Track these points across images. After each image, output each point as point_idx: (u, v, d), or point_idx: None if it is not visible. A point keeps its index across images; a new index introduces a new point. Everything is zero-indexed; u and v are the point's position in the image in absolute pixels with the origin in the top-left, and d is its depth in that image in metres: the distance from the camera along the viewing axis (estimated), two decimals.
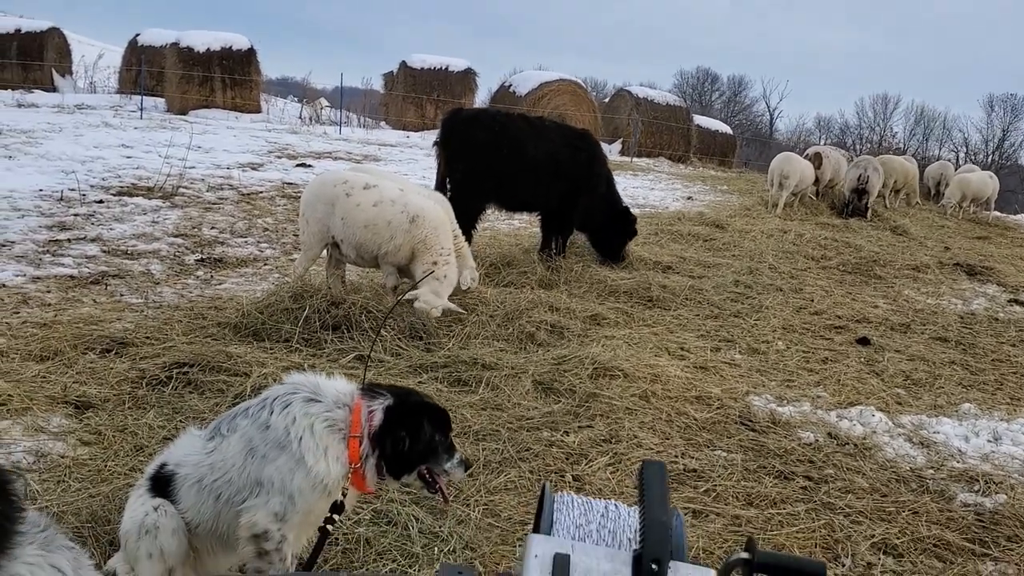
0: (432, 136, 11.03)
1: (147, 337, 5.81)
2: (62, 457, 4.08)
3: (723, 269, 10.40)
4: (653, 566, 1.07)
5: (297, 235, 8.13)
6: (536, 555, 1.12)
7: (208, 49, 27.01)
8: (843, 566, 3.91)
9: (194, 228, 9.90)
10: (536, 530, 1.20)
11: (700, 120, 35.37)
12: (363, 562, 3.44)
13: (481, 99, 33.80)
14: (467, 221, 8.70)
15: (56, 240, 8.52)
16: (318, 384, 2.88)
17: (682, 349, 6.96)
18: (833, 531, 4.21)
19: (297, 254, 7.64)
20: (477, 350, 6.11)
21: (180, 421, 4.52)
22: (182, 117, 24.24)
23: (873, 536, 4.19)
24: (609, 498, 1.30)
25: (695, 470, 4.72)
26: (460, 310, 6.85)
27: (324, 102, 34.90)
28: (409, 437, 2.81)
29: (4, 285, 6.91)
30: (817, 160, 18.51)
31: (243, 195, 12.44)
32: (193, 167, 13.58)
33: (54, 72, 29.78)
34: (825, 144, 39.82)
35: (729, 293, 9.18)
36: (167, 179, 11.77)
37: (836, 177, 18.84)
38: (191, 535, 2.90)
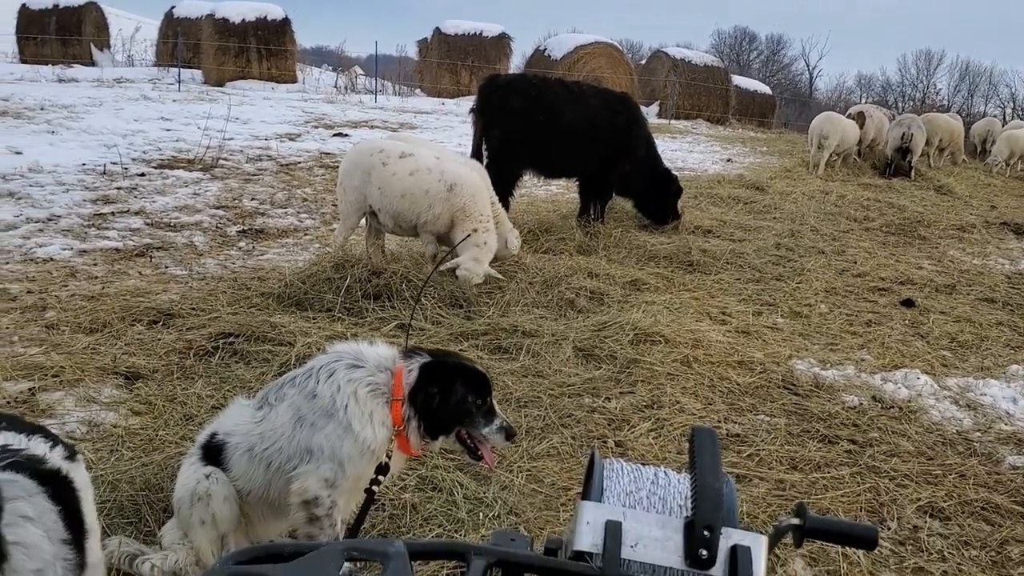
0: (468, 102, 10.99)
1: (192, 308, 5.90)
2: (114, 427, 4.17)
3: (764, 232, 10.28)
4: (705, 532, 1.07)
5: (336, 205, 8.18)
6: (588, 522, 1.12)
7: (243, 20, 27.13)
8: (889, 529, 3.88)
9: (235, 199, 10.00)
10: (585, 497, 1.20)
11: (738, 80, 34.83)
12: (409, 527, 3.49)
13: (516, 64, 33.64)
14: (504, 188, 8.68)
15: (100, 214, 8.65)
16: (360, 351, 2.91)
17: (723, 314, 6.91)
18: (879, 495, 4.18)
19: (337, 224, 7.68)
20: (517, 317, 6.12)
21: (228, 390, 4.60)
22: (219, 88, 24.43)
23: (919, 499, 4.15)
24: (653, 463, 1.30)
25: (738, 435, 4.71)
26: (500, 276, 6.86)
27: (359, 70, 34.89)
28: (440, 395, 2.82)
29: (52, 259, 7.05)
30: (860, 119, 18.15)
31: (282, 166, 12.53)
32: (232, 139, 13.70)
33: (92, 46, 30.14)
34: (867, 103, 38.97)
35: (770, 256, 9.08)
36: (207, 151, 11.90)
37: (879, 136, 18.46)
38: (242, 502, 2.97)
